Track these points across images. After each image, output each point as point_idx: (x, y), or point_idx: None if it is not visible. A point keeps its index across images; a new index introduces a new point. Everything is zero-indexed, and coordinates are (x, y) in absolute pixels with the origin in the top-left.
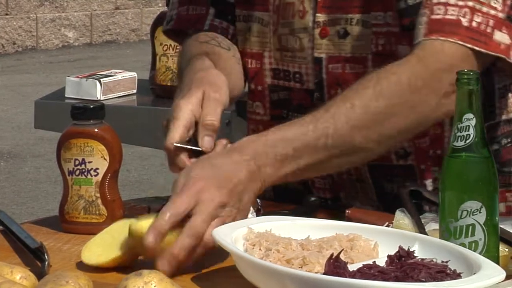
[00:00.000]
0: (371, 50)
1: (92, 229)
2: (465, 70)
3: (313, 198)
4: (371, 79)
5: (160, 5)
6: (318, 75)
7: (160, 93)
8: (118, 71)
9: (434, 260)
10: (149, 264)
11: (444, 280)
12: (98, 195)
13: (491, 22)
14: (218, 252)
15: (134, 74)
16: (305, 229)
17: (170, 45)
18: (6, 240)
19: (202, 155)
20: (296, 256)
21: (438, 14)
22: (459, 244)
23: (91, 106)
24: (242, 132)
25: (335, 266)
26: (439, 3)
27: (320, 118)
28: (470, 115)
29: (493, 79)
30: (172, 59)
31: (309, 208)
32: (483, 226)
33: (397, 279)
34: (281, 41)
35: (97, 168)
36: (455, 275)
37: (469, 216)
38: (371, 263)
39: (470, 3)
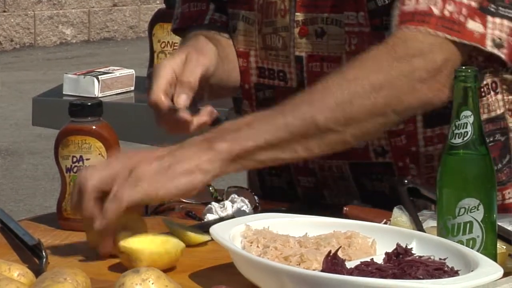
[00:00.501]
0: (345, 49)
1: None
2: (463, 67)
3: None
4: (335, 73)
5: (158, 2)
6: (300, 74)
7: None
8: (116, 68)
9: (432, 257)
10: None
11: (442, 278)
12: None
13: (464, 11)
14: (216, 250)
15: (132, 71)
16: (303, 226)
17: (168, 42)
18: (3, 237)
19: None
20: (294, 253)
21: (408, 4)
22: (457, 242)
23: (89, 103)
24: None
25: (333, 263)
26: None
27: (284, 105)
28: (468, 112)
29: None
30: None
31: (306, 205)
32: (480, 223)
33: (394, 276)
34: (265, 40)
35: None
36: (453, 273)
37: (467, 213)
38: (369, 260)
39: None
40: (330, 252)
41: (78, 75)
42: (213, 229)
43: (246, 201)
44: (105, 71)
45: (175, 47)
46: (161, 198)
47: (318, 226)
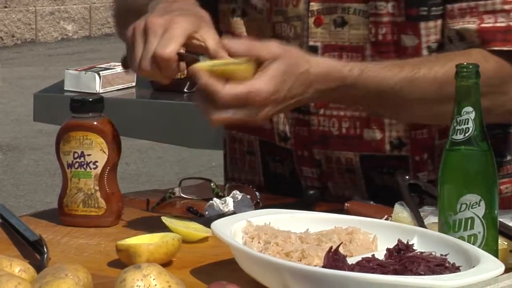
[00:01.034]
0: (369, 39)
1: (90, 222)
2: (465, 63)
3: (311, 192)
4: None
5: None
6: None
7: (159, 86)
8: (117, 64)
9: (433, 253)
10: None
11: (443, 274)
12: (97, 188)
13: None
14: (217, 245)
15: None
16: (304, 222)
17: None
18: (5, 233)
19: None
20: (295, 249)
21: (488, 23)
22: (458, 238)
23: (90, 99)
24: None
25: (334, 259)
26: (486, 12)
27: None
28: (470, 109)
29: None
30: None
31: (308, 201)
32: (482, 219)
33: (396, 272)
34: (275, 29)
35: (96, 161)
36: (454, 269)
37: (468, 209)
38: (370, 256)
39: None
40: (331, 248)
41: (79, 71)
42: (214, 224)
43: (248, 197)
44: (106, 67)
45: None
46: None
47: (319, 222)
